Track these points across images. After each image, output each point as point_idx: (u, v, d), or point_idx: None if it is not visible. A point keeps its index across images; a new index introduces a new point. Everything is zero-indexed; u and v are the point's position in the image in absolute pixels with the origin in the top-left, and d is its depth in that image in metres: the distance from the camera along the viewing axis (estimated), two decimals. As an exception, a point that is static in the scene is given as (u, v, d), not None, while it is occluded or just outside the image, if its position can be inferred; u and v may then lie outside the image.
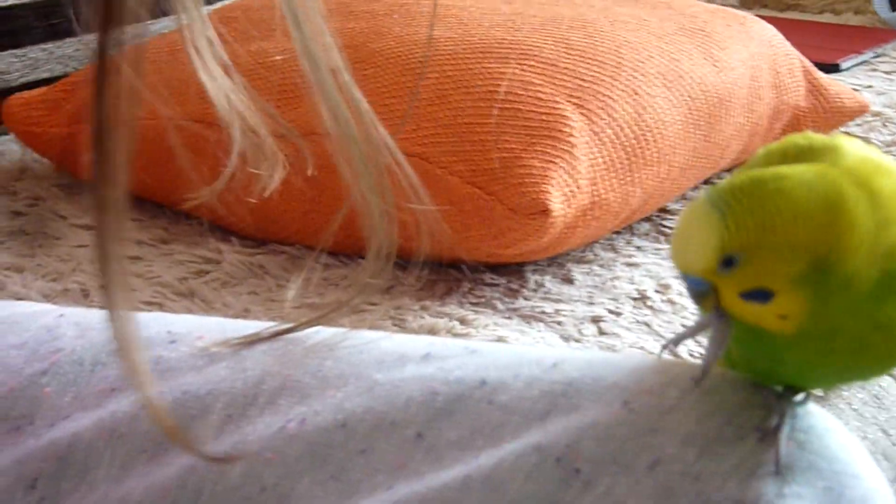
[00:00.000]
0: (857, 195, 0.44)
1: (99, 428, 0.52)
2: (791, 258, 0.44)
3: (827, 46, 1.65)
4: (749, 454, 0.45)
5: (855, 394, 0.97)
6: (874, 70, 1.61)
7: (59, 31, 1.39)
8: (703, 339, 0.48)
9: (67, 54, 1.40)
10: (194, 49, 0.50)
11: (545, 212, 0.93)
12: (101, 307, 0.46)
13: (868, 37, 1.71)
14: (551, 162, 0.95)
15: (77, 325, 0.58)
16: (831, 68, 1.56)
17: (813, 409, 0.47)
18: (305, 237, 1.07)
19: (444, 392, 0.49)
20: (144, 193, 1.16)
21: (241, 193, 0.57)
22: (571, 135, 0.97)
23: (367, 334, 0.55)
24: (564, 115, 0.98)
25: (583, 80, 1.02)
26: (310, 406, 0.50)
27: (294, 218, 1.06)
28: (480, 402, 0.49)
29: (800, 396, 0.47)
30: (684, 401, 0.46)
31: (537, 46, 1.05)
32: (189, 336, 0.56)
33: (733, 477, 0.44)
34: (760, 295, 0.44)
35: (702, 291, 0.45)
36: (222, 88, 0.51)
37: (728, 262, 0.44)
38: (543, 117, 0.98)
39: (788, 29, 1.39)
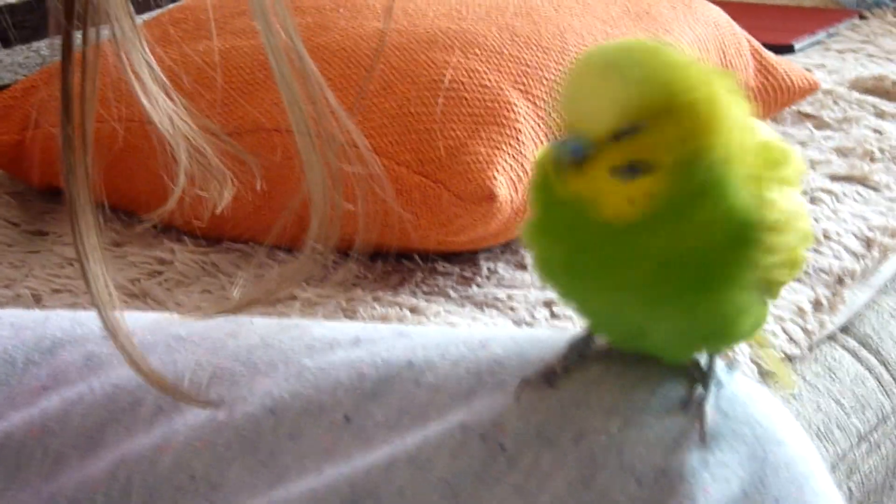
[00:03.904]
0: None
1: (30, 425, 0.52)
2: (687, 134, 0.42)
3: (781, 28, 1.66)
4: (673, 424, 0.45)
5: (809, 366, 0.97)
6: (827, 49, 1.62)
7: (7, 39, 1.38)
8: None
9: (17, 62, 1.39)
10: (133, 75, 0.50)
11: (491, 197, 0.93)
12: (88, 307, 0.48)
13: (822, 17, 1.72)
14: (497, 148, 0.95)
15: (11, 325, 0.58)
16: (785, 49, 1.57)
17: (737, 377, 0.47)
18: (258, 234, 1.07)
19: (372, 375, 0.49)
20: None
21: (192, 213, 0.57)
22: (517, 120, 0.97)
23: (299, 322, 0.55)
24: (510, 102, 0.98)
25: (528, 66, 1.02)
26: (238, 393, 0.51)
27: (246, 215, 1.06)
28: (407, 382, 0.49)
29: (723, 365, 0.48)
30: (608, 373, 0.47)
31: (482, 34, 1.05)
32: (123, 331, 0.56)
33: (657, 447, 0.44)
34: (632, 170, 0.42)
35: (582, 157, 0.42)
36: (165, 111, 0.52)
37: (629, 129, 0.42)
38: (489, 104, 0.98)
39: (744, 12, 1.39)
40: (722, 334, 0.47)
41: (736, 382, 0.47)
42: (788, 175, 0.47)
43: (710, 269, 0.44)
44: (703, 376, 0.47)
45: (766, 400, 0.47)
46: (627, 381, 0.46)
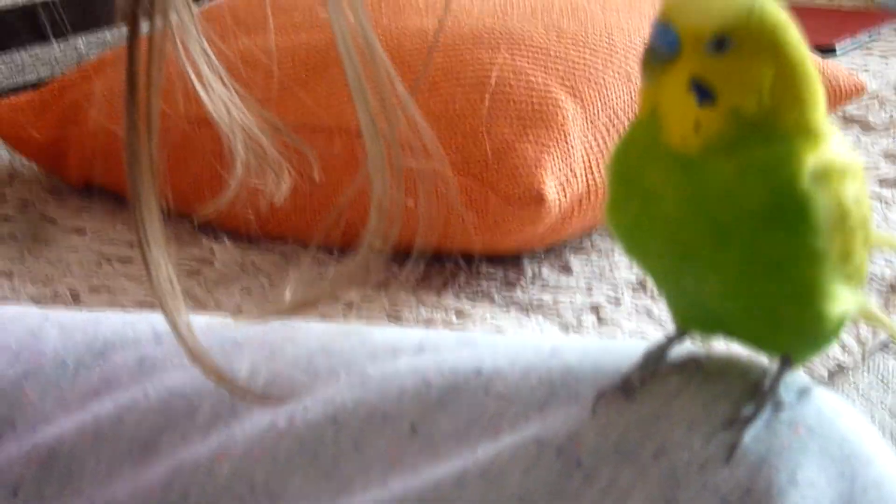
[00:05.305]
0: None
1: (82, 431, 0.50)
2: (770, 80, 0.42)
3: (822, 29, 1.64)
4: (759, 441, 0.43)
5: (861, 376, 0.95)
6: (869, 52, 1.59)
7: (45, 35, 1.37)
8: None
9: (54, 58, 1.38)
10: (189, 63, 0.49)
11: (540, 200, 0.91)
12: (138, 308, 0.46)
13: (862, 20, 1.70)
14: (545, 149, 0.93)
15: (62, 326, 0.57)
16: (827, 51, 1.55)
17: (821, 392, 0.45)
18: (299, 233, 1.05)
19: (439, 383, 0.48)
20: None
21: (248, 204, 0.56)
22: (565, 121, 0.95)
23: (359, 328, 0.54)
24: (557, 102, 0.97)
25: (575, 65, 1.01)
26: (299, 402, 0.49)
27: (287, 214, 1.05)
28: (476, 391, 0.47)
29: (798, 382, 0.45)
30: (688, 386, 0.45)
31: (528, 33, 1.03)
32: (176, 334, 0.54)
33: (742, 464, 0.42)
34: (705, 93, 0.42)
35: (669, 54, 0.41)
36: (222, 101, 0.50)
37: (721, 43, 0.41)
38: (536, 104, 0.96)
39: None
40: (799, 319, 0.44)
41: (819, 397, 0.45)
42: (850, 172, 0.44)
43: (758, 232, 0.42)
44: (759, 393, 0.44)
45: (853, 416, 0.45)
46: (709, 393, 0.44)
